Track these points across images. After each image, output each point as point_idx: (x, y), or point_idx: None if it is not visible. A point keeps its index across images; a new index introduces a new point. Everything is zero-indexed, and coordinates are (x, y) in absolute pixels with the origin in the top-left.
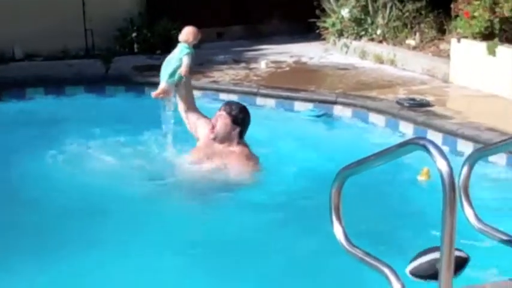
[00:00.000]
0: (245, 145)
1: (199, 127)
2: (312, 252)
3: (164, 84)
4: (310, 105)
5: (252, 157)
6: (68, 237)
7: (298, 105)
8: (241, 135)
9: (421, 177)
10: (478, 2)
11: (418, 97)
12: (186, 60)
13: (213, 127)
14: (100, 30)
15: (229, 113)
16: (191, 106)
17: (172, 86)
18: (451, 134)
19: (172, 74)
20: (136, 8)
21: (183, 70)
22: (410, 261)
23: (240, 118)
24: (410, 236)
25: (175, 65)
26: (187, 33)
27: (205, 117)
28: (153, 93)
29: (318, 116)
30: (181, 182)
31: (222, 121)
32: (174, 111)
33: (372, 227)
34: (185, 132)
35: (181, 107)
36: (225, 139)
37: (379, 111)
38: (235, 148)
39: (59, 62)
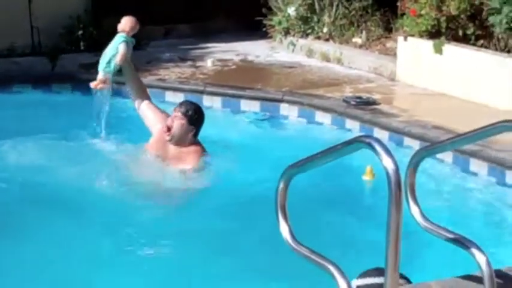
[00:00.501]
0: (199, 144)
1: (153, 123)
2: (261, 248)
3: (101, 73)
4: (256, 104)
5: (206, 155)
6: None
7: (244, 104)
8: (195, 135)
9: (366, 177)
10: (424, 0)
11: (364, 95)
12: (121, 49)
13: (169, 129)
14: (46, 28)
15: (184, 114)
16: (141, 96)
17: (109, 75)
18: (397, 132)
19: (108, 63)
20: (83, 5)
21: (118, 58)
22: (359, 276)
23: (196, 118)
24: (356, 235)
25: (111, 53)
26: (124, 23)
27: (161, 111)
28: (92, 84)
29: (262, 120)
30: (141, 181)
31: (178, 122)
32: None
33: (317, 226)
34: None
35: (132, 97)
36: (180, 140)
37: (326, 110)
38: (191, 148)
39: (4, 59)
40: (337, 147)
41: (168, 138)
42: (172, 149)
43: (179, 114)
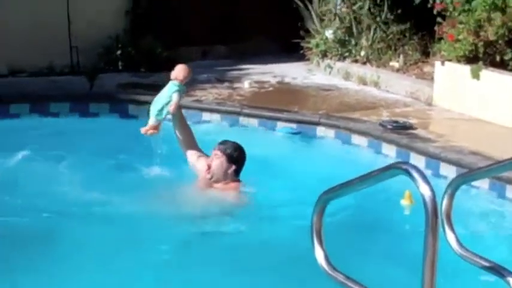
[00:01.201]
0: (239, 181)
1: (198, 166)
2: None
3: (153, 119)
4: (293, 126)
5: (242, 193)
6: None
7: (280, 126)
8: (236, 173)
9: (405, 201)
10: (462, 26)
11: (401, 119)
12: (175, 98)
13: (209, 167)
14: (85, 48)
15: (223, 152)
16: (189, 144)
17: (160, 122)
18: (433, 158)
19: (160, 111)
20: (121, 25)
21: (171, 107)
22: None
23: (235, 156)
24: (392, 261)
25: (164, 101)
26: (178, 71)
27: (205, 155)
28: (142, 129)
29: (294, 134)
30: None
31: (217, 160)
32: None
33: (354, 251)
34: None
35: (180, 145)
36: (221, 178)
37: (362, 133)
38: (230, 185)
39: (43, 78)
40: (374, 173)
41: (208, 176)
42: (214, 187)
43: (218, 152)
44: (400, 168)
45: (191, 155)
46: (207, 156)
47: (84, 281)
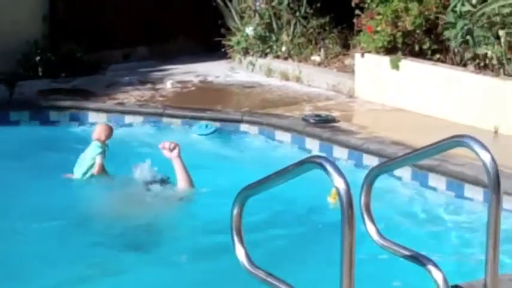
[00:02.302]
0: None
1: None
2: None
3: (76, 176)
4: (216, 125)
5: None
6: None
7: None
8: None
9: (331, 199)
10: (380, 17)
11: (323, 113)
12: (98, 160)
13: None
14: (3, 54)
15: None
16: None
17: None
18: (356, 149)
19: (85, 173)
20: (40, 30)
21: (95, 170)
22: None
23: None
24: (314, 256)
25: (88, 164)
26: (99, 132)
27: None
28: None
29: (209, 134)
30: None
31: None
32: None
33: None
34: None
35: None
36: None
37: (285, 129)
38: None
39: None
40: (289, 169)
41: None
42: None
43: None
44: (314, 162)
45: None
46: None
47: None
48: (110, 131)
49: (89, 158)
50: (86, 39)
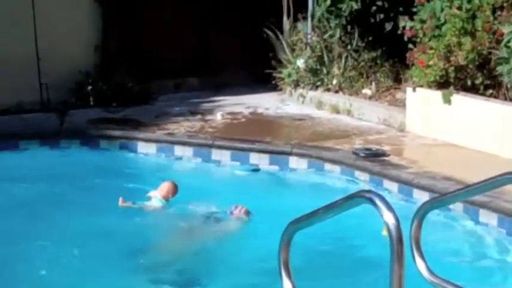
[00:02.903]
0: None
1: None
2: None
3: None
4: (266, 157)
5: None
6: None
7: (253, 157)
8: None
9: (386, 233)
10: (432, 51)
11: (374, 147)
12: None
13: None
14: (55, 84)
15: None
16: None
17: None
18: (406, 184)
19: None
20: (92, 60)
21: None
22: None
23: None
24: None
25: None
26: (167, 191)
27: None
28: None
29: (253, 171)
30: None
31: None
32: None
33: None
34: None
35: None
36: None
37: (335, 162)
38: None
39: (12, 116)
40: (338, 203)
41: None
42: None
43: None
44: (363, 196)
45: None
46: None
47: None
48: (176, 190)
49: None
50: (137, 70)
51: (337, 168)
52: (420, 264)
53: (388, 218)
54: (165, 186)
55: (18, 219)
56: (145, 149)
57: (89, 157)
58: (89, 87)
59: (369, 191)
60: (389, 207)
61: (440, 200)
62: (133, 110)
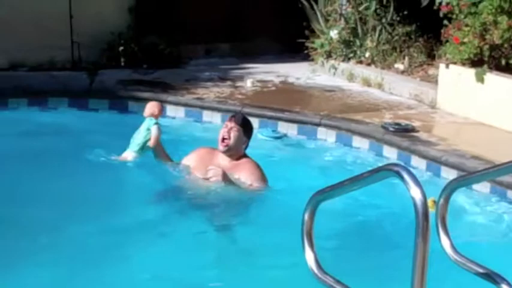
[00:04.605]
0: (249, 157)
1: (199, 152)
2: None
3: (129, 152)
4: (294, 126)
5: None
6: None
7: (282, 126)
8: (246, 147)
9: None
10: (468, 28)
11: (403, 122)
12: (154, 131)
13: (224, 139)
14: (87, 43)
15: (241, 125)
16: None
17: (136, 155)
18: (435, 161)
19: (142, 146)
20: (125, 22)
21: (152, 142)
22: None
23: (249, 130)
24: (384, 266)
25: (144, 135)
26: (151, 107)
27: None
28: (114, 158)
29: (276, 138)
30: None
31: (235, 133)
32: None
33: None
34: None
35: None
36: (235, 151)
37: (363, 135)
38: (245, 160)
39: (43, 73)
40: (364, 175)
41: (223, 149)
42: (225, 161)
43: (236, 126)
44: (391, 169)
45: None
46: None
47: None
48: (161, 107)
49: (144, 130)
50: (169, 33)
51: (365, 142)
52: (445, 242)
53: (415, 193)
54: (147, 105)
55: (41, 176)
56: (174, 113)
57: (116, 118)
58: (120, 48)
59: (397, 165)
60: (417, 182)
61: (468, 178)
62: (163, 72)
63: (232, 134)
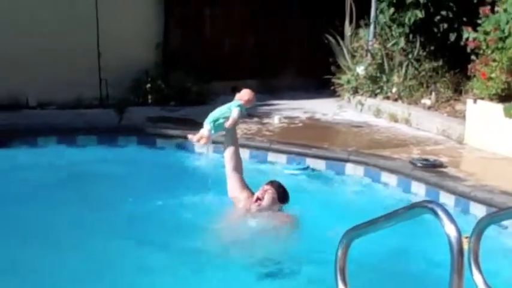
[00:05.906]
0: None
1: (242, 194)
2: None
3: (206, 127)
4: (322, 163)
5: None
6: None
7: (309, 162)
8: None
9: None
10: (495, 64)
11: (431, 157)
12: (235, 113)
13: (258, 199)
14: (115, 80)
15: (277, 189)
16: (235, 166)
17: (212, 133)
18: (463, 197)
19: (216, 121)
20: (152, 58)
21: (229, 122)
22: None
23: (284, 197)
24: None
25: (223, 114)
26: (243, 93)
27: (248, 188)
28: (191, 136)
29: (301, 170)
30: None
31: (270, 196)
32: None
33: None
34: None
35: (227, 166)
36: (266, 212)
37: (391, 171)
38: (278, 213)
39: (71, 111)
40: (399, 212)
41: (256, 209)
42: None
43: (272, 189)
44: (425, 206)
45: (236, 180)
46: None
47: None
48: (253, 96)
49: (225, 107)
50: (196, 70)
51: (393, 178)
52: (477, 279)
53: (450, 230)
54: (242, 91)
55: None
56: (202, 149)
57: (145, 155)
58: (148, 85)
59: (431, 202)
60: (452, 219)
61: (499, 214)
62: (191, 110)
63: (267, 196)
